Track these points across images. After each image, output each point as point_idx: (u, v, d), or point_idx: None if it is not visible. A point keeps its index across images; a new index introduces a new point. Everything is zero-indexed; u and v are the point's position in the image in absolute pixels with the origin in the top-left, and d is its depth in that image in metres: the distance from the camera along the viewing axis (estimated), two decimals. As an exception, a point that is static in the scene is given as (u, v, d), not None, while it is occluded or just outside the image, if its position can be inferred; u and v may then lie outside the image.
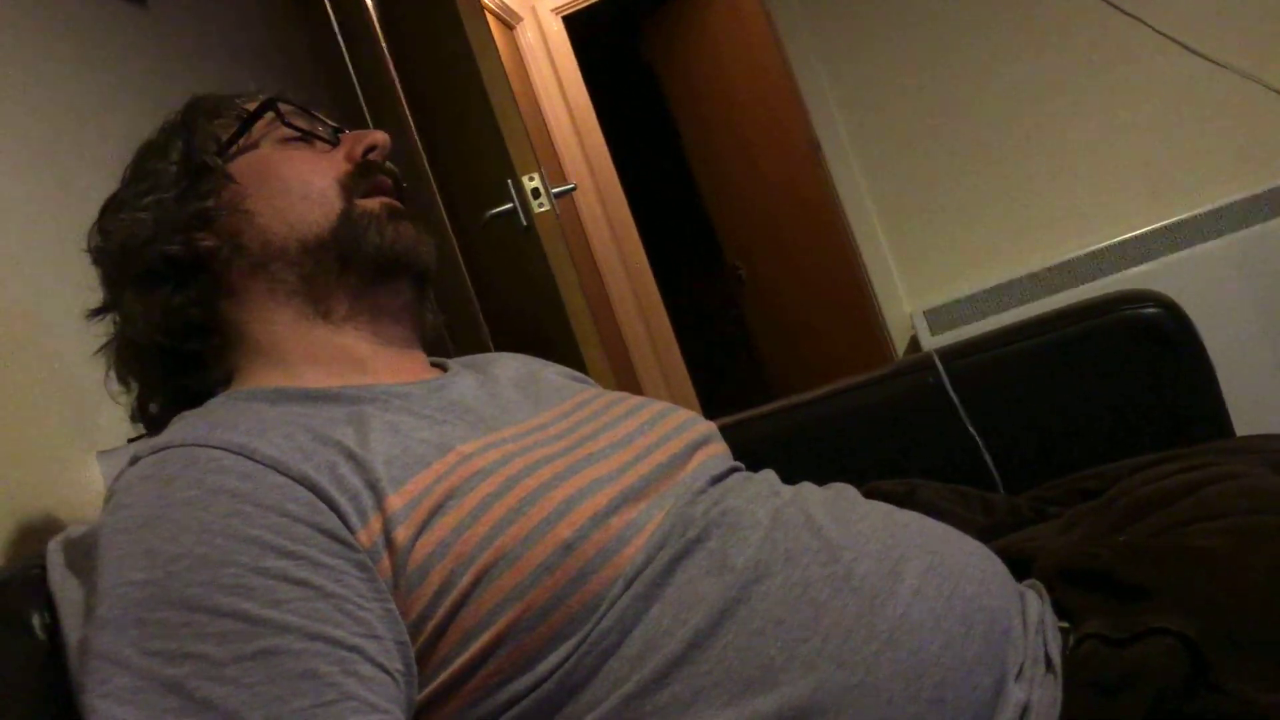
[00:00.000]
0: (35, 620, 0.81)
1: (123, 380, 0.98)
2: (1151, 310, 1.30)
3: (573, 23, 4.09)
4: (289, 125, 0.99)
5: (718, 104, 4.06)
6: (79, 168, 1.54)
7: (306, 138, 1.00)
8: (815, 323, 3.85)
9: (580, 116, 4.05)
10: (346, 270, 0.94)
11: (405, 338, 1.00)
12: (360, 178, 0.97)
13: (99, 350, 0.99)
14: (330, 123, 1.04)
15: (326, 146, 1.01)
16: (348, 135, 1.02)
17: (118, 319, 0.98)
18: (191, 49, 2.05)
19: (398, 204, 0.99)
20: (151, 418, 0.98)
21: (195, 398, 0.92)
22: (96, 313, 1.00)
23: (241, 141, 0.98)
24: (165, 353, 0.95)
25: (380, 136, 1.00)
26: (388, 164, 1.01)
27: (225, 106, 1.01)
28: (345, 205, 0.95)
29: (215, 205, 0.93)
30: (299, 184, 0.95)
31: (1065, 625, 0.81)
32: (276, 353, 0.94)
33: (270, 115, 1.00)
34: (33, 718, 0.75)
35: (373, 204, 0.97)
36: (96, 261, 0.99)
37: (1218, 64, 2.52)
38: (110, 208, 0.99)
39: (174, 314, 0.93)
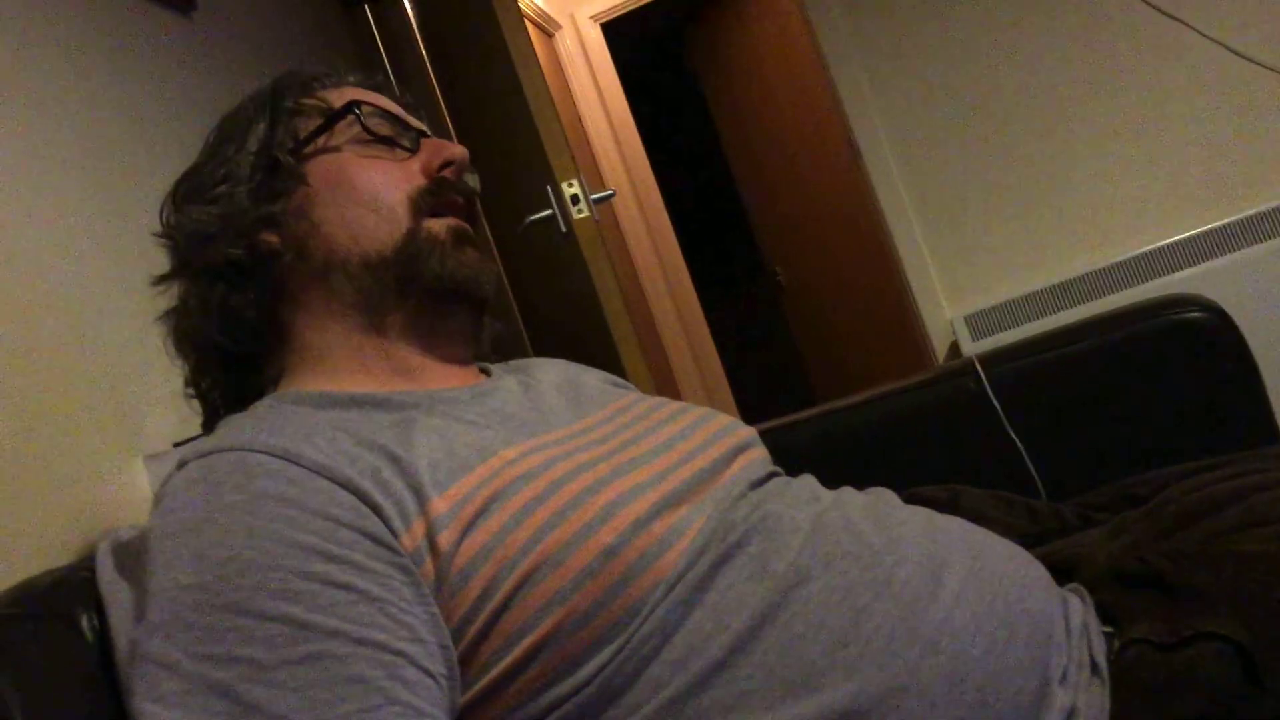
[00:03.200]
0: (84, 622, 0.82)
1: (180, 351, 0.98)
2: (1197, 315, 1.28)
3: (613, 30, 4.10)
4: (369, 132, 0.97)
5: (758, 109, 4.06)
6: (127, 176, 1.57)
7: (386, 142, 0.99)
8: (854, 327, 3.84)
9: (619, 123, 4.06)
10: (405, 291, 0.93)
11: (459, 356, 1.00)
12: (432, 195, 0.96)
13: (161, 316, 0.98)
14: (414, 122, 1.02)
15: (406, 154, 0.99)
16: (427, 143, 1.00)
17: (180, 293, 0.97)
18: (235, 58, 2.07)
19: (466, 226, 0.98)
20: (204, 393, 0.99)
21: (244, 391, 0.93)
22: (161, 280, 0.99)
23: (321, 141, 0.96)
24: (219, 349, 0.95)
25: (458, 151, 0.99)
26: (464, 180, 1.00)
27: (311, 89, 1.00)
28: (412, 225, 0.94)
29: (285, 210, 0.93)
30: (369, 195, 0.94)
31: (1109, 630, 0.80)
32: (327, 359, 0.94)
33: (351, 117, 0.98)
34: (82, 718, 0.76)
35: (439, 227, 0.95)
36: (166, 238, 0.98)
37: (1262, 66, 2.49)
38: (182, 189, 0.98)
39: (231, 314, 0.93)
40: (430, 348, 0.96)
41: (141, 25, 1.78)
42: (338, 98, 0.99)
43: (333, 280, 0.93)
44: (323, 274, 0.93)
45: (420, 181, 0.96)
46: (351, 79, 1.03)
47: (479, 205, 1.02)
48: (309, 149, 0.95)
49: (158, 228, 0.99)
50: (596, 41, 4.06)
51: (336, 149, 0.96)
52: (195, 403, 1.00)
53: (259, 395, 0.93)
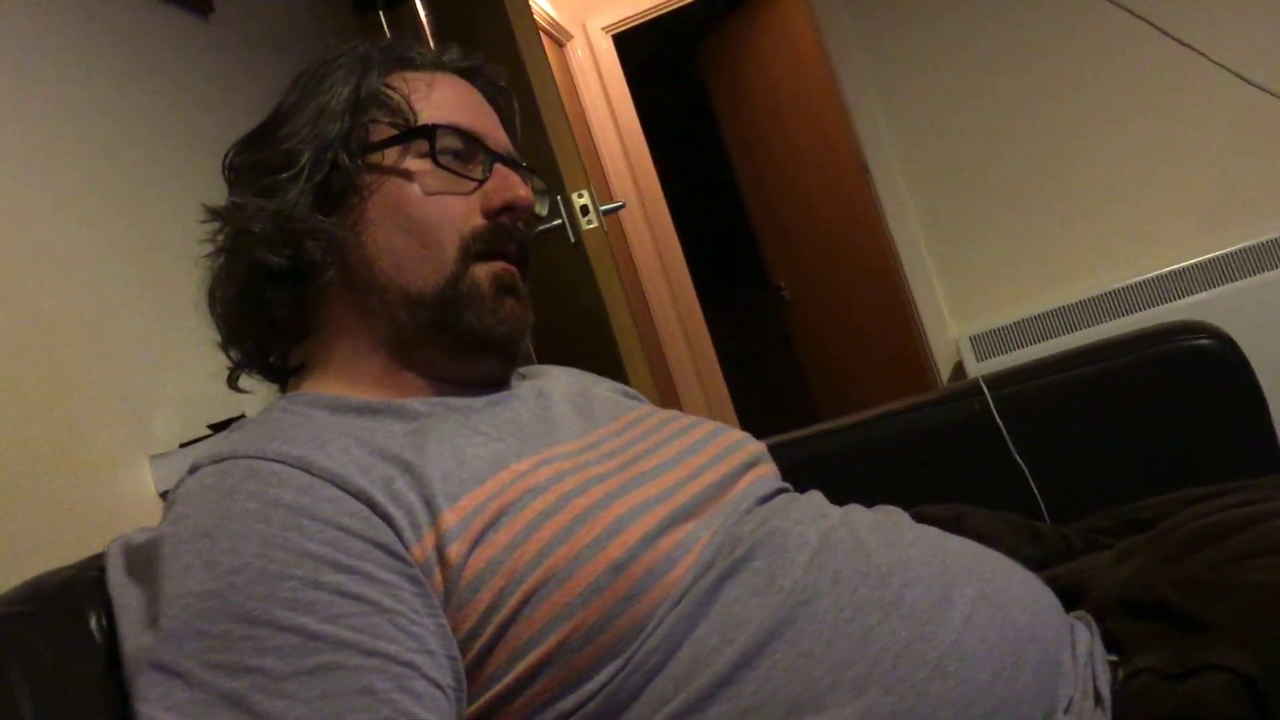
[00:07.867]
0: (94, 622, 0.82)
1: (210, 312, 0.96)
2: (1205, 342, 1.28)
3: (623, 41, 4.11)
4: (437, 164, 0.93)
5: (767, 123, 4.07)
6: (142, 179, 1.57)
7: (454, 172, 0.94)
8: (858, 344, 3.84)
9: (628, 134, 4.07)
10: (438, 333, 0.91)
11: (479, 390, 0.98)
12: (485, 239, 0.93)
13: (204, 256, 0.95)
14: (493, 142, 0.97)
15: (473, 184, 0.94)
16: (498, 175, 0.96)
17: (219, 266, 0.95)
18: (251, 60, 2.08)
19: (511, 273, 0.95)
20: (229, 353, 0.98)
21: (268, 361, 0.96)
22: (214, 215, 0.95)
23: (389, 156, 0.92)
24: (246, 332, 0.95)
25: (523, 196, 0.95)
26: (520, 227, 0.96)
27: (403, 66, 0.96)
28: (456, 270, 0.91)
29: (336, 226, 0.90)
30: (422, 228, 0.91)
31: (1114, 659, 0.80)
32: (347, 368, 0.93)
33: (426, 144, 0.93)
34: (91, 717, 0.76)
35: (484, 274, 0.92)
36: (216, 217, 0.94)
37: (1271, 93, 2.50)
38: (248, 155, 0.95)
39: (263, 308, 0.93)
40: (451, 383, 0.95)
41: (159, 27, 1.79)
42: (423, 97, 0.94)
43: (369, 301, 0.91)
44: (361, 293, 0.92)
45: (477, 222, 0.93)
46: (447, 59, 1.00)
47: (530, 253, 0.98)
48: (375, 158, 0.92)
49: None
50: (607, 52, 4.07)
51: (402, 170, 0.92)
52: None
53: (282, 370, 0.96)
